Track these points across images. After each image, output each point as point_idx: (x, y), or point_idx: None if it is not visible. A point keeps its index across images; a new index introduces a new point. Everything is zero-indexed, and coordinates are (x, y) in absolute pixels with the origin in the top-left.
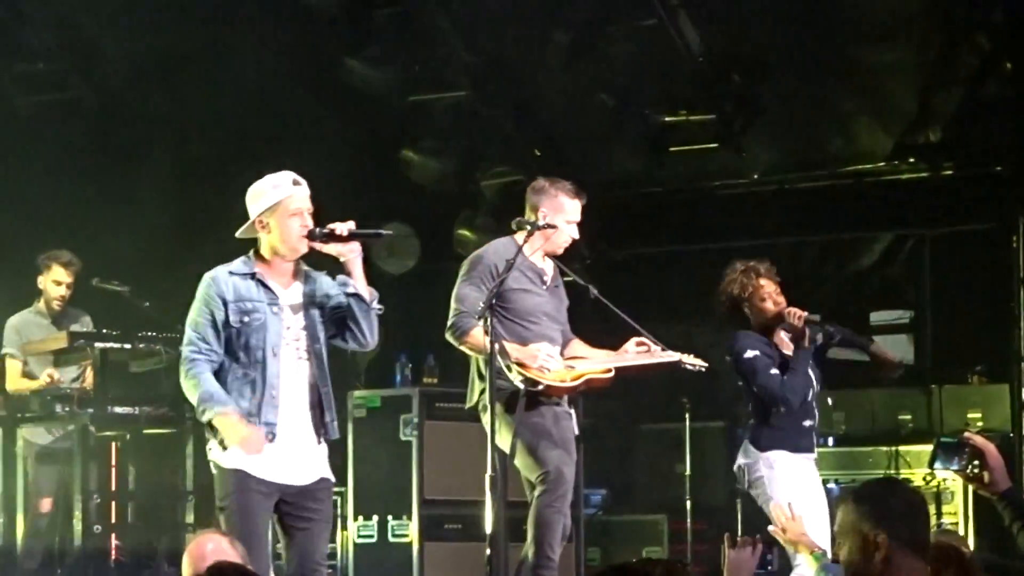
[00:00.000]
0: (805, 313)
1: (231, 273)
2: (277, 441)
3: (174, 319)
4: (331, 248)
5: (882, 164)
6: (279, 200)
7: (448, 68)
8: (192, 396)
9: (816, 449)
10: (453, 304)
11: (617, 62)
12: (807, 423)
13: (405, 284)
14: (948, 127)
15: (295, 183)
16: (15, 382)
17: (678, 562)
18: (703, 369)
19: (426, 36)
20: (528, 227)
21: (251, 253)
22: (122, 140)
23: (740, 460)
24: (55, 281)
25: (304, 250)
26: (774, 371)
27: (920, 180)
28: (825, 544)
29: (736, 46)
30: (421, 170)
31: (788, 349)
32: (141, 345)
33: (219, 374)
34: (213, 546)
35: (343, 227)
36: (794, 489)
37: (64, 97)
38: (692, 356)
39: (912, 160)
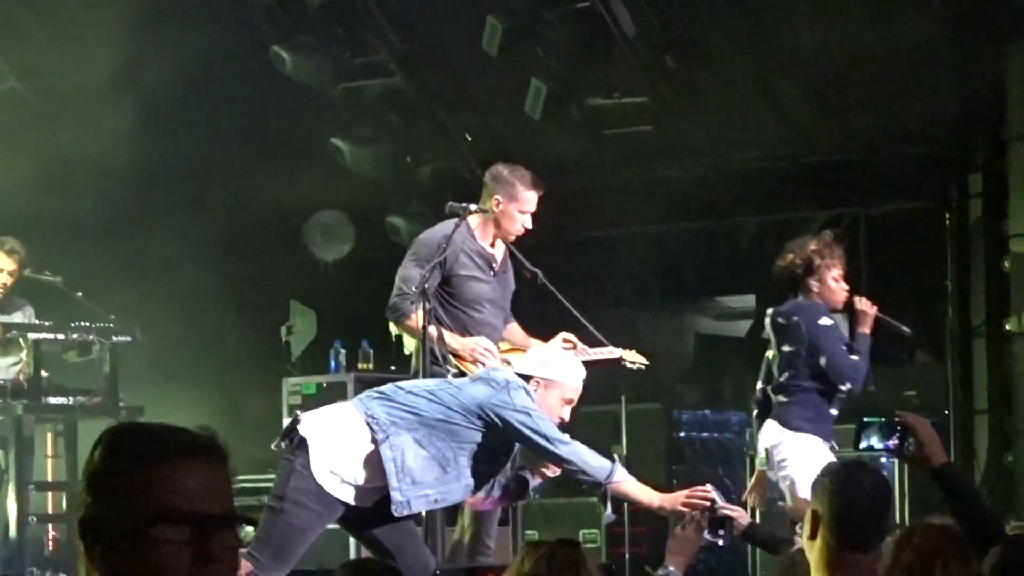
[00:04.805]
0: (873, 307)
1: None
2: None
3: (107, 309)
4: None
5: (817, 145)
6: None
7: (380, 55)
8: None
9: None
10: (397, 284)
11: (551, 46)
12: (834, 411)
13: (340, 271)
14: (883, 107)
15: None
16: None
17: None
18: (643, 368)
19: (358, 23)
20: (460, 211)
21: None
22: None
23: (766, 443)
24: None
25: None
26: (844, 347)
27: (855, 160)
28: None
29: (670, 29)
30: (354, 158)
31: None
32: (75, 336)
33: None
34: None
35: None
36: None
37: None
38: (632, 352)
39: (847, 140)
